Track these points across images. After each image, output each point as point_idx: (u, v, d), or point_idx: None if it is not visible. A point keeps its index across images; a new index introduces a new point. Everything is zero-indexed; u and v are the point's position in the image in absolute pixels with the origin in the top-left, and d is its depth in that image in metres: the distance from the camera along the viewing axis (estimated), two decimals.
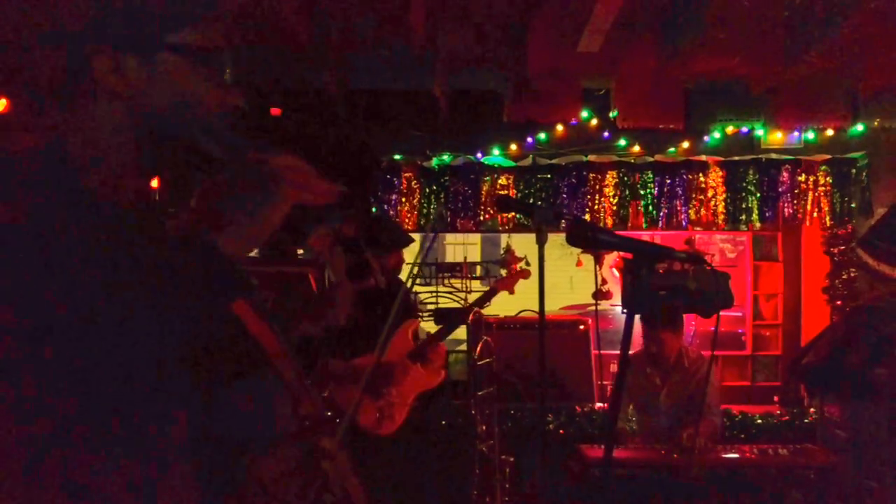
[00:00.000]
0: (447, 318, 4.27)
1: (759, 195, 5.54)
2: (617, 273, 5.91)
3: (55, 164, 1.03)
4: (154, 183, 1.15)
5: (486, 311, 4.44)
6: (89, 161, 1.05)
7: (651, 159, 5.60)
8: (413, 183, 5.54)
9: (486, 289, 4.52)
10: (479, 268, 5.90)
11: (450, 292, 5.53)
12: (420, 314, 4.37)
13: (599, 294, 5.25)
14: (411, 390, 3.79)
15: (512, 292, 4.48)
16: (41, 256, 0.90)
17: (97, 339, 0.89)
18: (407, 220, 5.48)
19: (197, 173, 1.14)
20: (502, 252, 5.88)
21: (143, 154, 1.10)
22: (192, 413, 1.06)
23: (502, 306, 4.97)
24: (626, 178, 5.55)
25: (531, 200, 5.49)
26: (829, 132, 5.33)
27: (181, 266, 0.98)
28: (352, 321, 2.31)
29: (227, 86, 1.14)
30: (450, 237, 7.22)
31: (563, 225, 1.89)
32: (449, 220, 5.55)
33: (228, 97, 1.14)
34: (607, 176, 5.54)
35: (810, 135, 5.42)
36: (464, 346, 4.78)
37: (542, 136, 5.40)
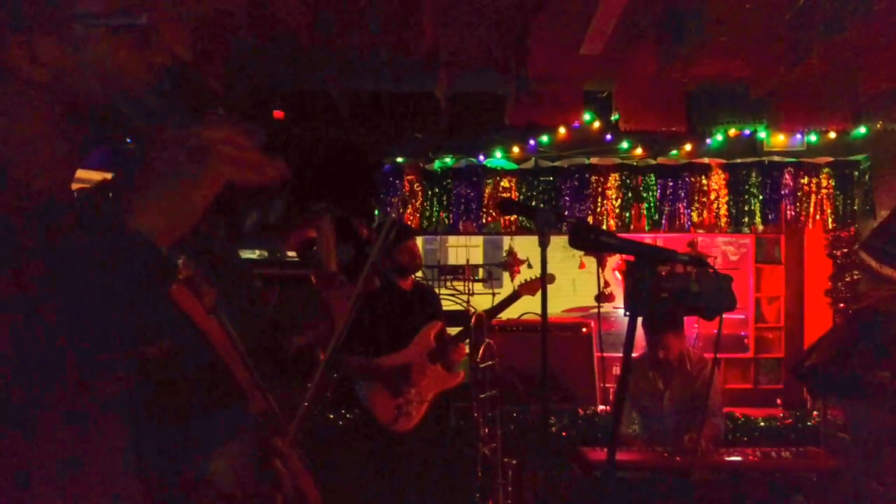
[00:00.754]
0: (456, 321, 4.32)
1: (761, 197, 5.54)
2: (619, 276, 5.90)
3: None
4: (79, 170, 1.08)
5: (487, 313, 4.45)
6: (4, 153, 0.98)
7: (653, 162, 5.60)
8: (415, 185, 5.55)
9: (491, 290, 4.55)
10: (481, 270, 5.89)
11: (452, 295, 5.52)
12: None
13: (602, 296, 5.26)
14: (430, 389, 3.90)
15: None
16: None
17: (21, 334, 0.86)
18: (409, 223, 5.48)
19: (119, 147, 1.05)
20: (504, 254, 5.88)
21: (68, 139, 1.03)
22: (133, 406, 1.04)
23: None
24: (628, 181, 5.54)
25: (533, 203, 5.49)
26: (832, 134, 5.32)
27: (108, 255, 0.92)
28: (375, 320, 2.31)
29: (154, 50, 1.04)
30: (452, 239, 7.21)
31: (566, 227, 1.89)
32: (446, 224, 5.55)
33: (155, 60, 1.05)
34: (610, 178, 5.53)
35: (813, 137, 5.41)
36: (466, 349, 4.79)
37: (545, 138, 5.40)
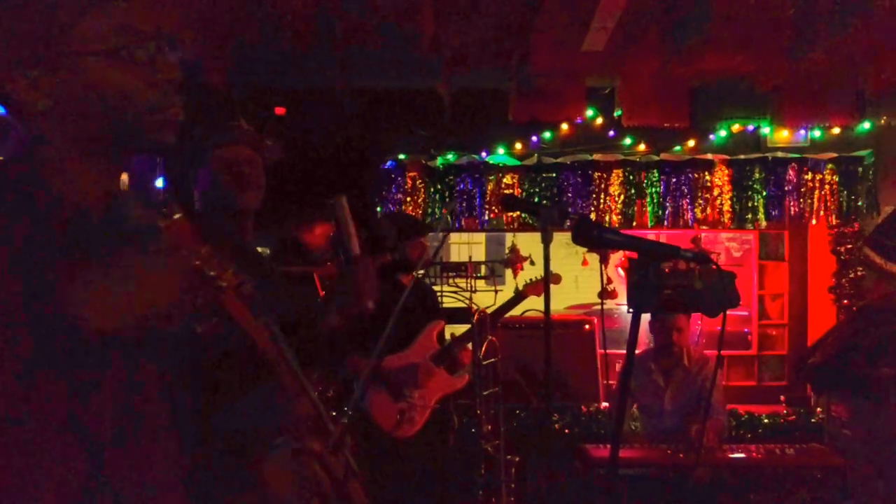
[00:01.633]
0: (458, 319, 4.27)
1: (765, 194, 5.52)
2: (622, 272, 5.89)
3: (19, 175, 1.02)
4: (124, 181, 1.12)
5: (489, 310, 4.43)
6: (48, 171, 1.03)
7: (657, 158, 5.58)
8: (418, 182, 5.54)
9: (493, 288, 4.51)
10: (483, 267, 5.88)
11: (454, 292, 5.51)
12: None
13: (605, 293, 5.23)
14: (434, 393, 3.75)
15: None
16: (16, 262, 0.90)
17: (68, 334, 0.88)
18: None
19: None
20: (507, 251, 5.87)
21: (91, 158, 1.07)
22: (183, 411, 1.05)
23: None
24: (631, 177, 5.53)
25: (536, 199, 5.48)
26: (836, 130, 5.30)
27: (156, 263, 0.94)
28: (376, 315, 2.29)
29: (157, 68, 1.07)
30: (454, 237, 7.20)
31: (569, 224, 1.88)
32: (453, 219, 5.55)
33: (156, 78, 1.07)
34: (613, 174, 5.52)
35: (817, 133, 5.39)
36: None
37: (548, 134, 5.39)
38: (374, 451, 3.72)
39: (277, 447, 1.20)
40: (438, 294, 5.46)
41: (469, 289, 5.59)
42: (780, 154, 5.54)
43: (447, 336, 4.18)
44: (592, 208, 5.50)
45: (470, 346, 3.93)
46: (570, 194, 5.52)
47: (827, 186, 5.51)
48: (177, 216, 1.09)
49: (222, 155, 2.22)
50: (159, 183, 4.32)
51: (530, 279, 4.65)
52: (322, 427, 1.36)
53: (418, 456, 3.73)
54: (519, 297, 4.44)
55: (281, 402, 1.37)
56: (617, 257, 5.86)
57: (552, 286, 2.12)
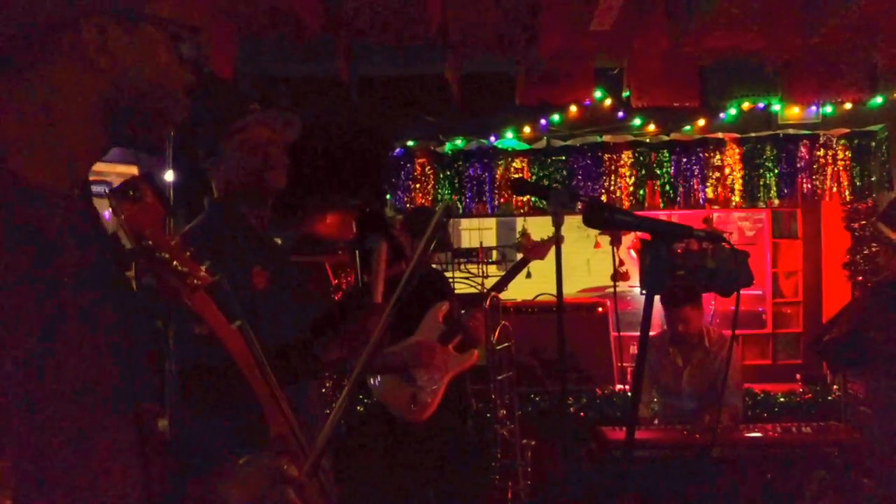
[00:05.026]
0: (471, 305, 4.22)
1: (776, 171, 5.48)
2: (634, 254, 5.87)
3: None
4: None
5: (502, 296, 4.40)
6: (25, 141, 0.97)
7: (667, 138, 5.55)
8: (427, 168, 5.53)
9: (505, 273, 4.47)
10: (494, 252, 5.87)
11: (466, 277, 5.51)
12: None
13: (617, 276, 5.23)
14: (443, 373, 3.69)
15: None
16: None
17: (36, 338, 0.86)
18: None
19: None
20: (518, 236, 5.86)
21: (96, 133, 1.04)
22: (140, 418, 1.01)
23: (519, 290, 4.95)
24: (641, 158, 5.50)
25: (546, 183, 5.45)
26: (848, 105, 5.24)
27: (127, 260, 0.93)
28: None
29: (192, 64, 1.07)
30: (465, 222, 7.19)
31: (580, 207, 1.86)
32: (461, 208, 5.52)
33: (188, 74, 1.07)
34: (623, 156, 5.49)
35: (828, 108, 5.33)
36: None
37: (556, 117, 5.36)
38: (391, 437, 3.71)
39: (242, 468, 1.13)
40: (450, 280, 5.45)
41: (481, 274, 5.59)
42: (791, 131, 5.49)
43: None
44: (603, 190, 5.47)
45: (479, 313, 3.83)
46: (580, 177, 5.50)
47: (839, 162, 5.46)
48: (146, 199, 1.04)
49: (245, 138, 2.25)
50: (168, 176, 4.33)
51: (515, 259, 4.48)
52: (296, 448, 1.32)
53: (436, 439, 3.72)
54: (521, 263, 4.30)
55: (251, 420, 1.33)
56: (629, 239, 5.84)
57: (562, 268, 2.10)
